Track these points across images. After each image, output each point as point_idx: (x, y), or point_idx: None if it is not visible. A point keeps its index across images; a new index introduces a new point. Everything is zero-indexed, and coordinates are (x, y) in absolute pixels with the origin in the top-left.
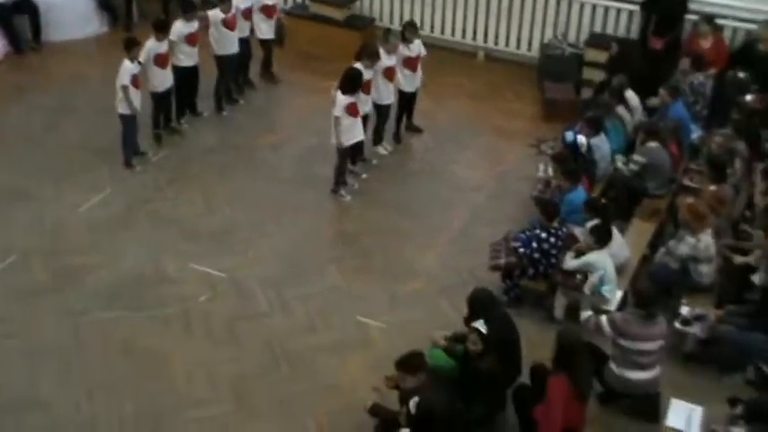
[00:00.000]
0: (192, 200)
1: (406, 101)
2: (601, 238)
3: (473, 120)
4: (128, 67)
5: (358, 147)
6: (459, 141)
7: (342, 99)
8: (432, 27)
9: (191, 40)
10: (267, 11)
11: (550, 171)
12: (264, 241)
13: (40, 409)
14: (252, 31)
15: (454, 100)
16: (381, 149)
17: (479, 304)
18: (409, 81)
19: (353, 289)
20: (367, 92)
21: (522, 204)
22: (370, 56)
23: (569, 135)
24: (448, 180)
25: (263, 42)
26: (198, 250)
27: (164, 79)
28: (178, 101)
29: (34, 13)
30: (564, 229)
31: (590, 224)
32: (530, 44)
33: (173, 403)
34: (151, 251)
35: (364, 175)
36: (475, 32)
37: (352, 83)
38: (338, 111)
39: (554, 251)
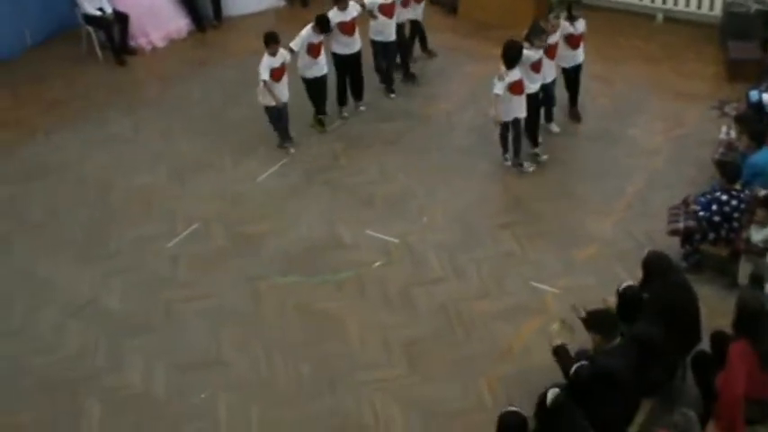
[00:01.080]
0: (366, 168)
1: (569, 80)
2: None
3: (651, 83)
4: (266, 62)
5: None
6: (637, 105)
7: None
8: None
9: (345, 29)
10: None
11: (733, 133)
12: (438, 207)
13: (222, 368)
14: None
15: (631, 63)
16: (554, 127)
17: (655, 268)
18: (568, 59)
19: (527, 254)
20: (537, 71)
21: (702, 168)
22: (538, 36)
23: (754, 95)
24: (625, 144)
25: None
26: (372, 217)
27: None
28: (338, 88)
29: None
30: (747, 191)
31: None
32: (711, 3)
33: (347, 365)
34: (326, 218)
35: (545, 157)
36: None
37: (511, 57)
38: (498, 88)
39: (736, 214)
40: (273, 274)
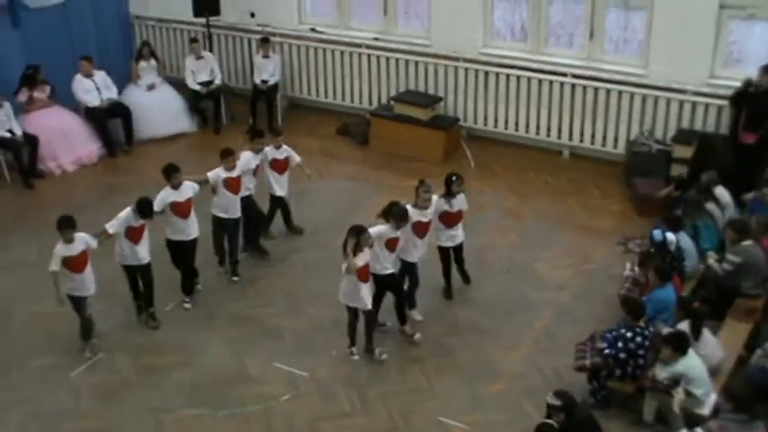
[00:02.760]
0: (274, 300)
1: (446, 258)
2: (680, 346)
3: (558, 217)
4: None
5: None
6: (544, 239)
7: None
8: (516, 125)
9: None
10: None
11: (637, 269)
12: (347, 339)
13: None
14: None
15: (539, 198)
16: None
17: (561, 407)
18: (444, 238)
19: (436, 388)
20: (392, 249)
21: (609, 303)
22: (398, 218)
23: (658, 234)
24: (533, 279)
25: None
26: (281, 348)
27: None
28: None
29: (127, 117)
30: (651, 329)
31: (680, 325)
32: (615, 141)
33: None
34: (234, 350)
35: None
36: (560, 130)
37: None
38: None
39: (641, 351)
40: (179, 406)
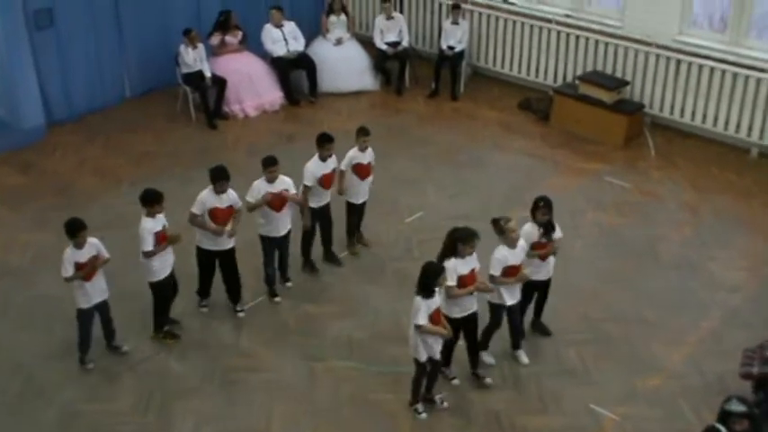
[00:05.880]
0: None
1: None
2: None
3: (738, 218)
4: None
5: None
6: (721, 239)
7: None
8: (704, 118)
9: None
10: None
11: None
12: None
13: None
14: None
15: (720, 195)
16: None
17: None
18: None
19: (591, 374)
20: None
21: None
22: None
23: None
24: (704, 277)
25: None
26: None
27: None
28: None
29: (311, 70)
30: None
31: None
32: None
33: None
34: (394, 308)
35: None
36: (750, 128)
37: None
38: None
39: None
40: (333, 357)
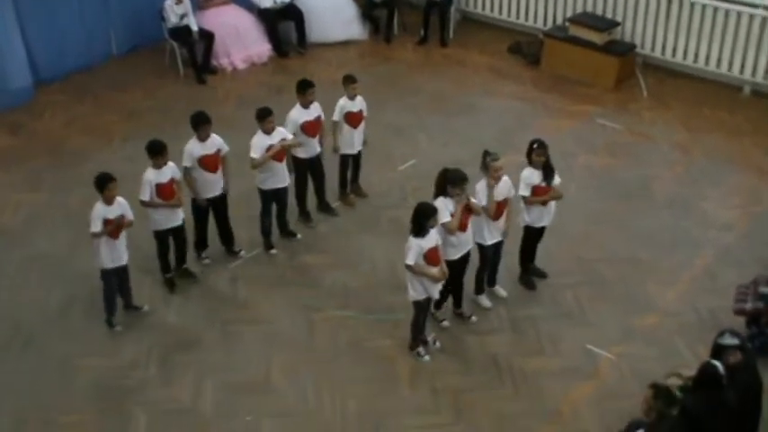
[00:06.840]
0: None
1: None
2: None
3: (730, 156)
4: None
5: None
6: (713, 177)
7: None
8: (696, 57)
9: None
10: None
11: None
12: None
13: (269, 394)
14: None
15: (712, 134)
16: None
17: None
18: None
19: (587, 316)
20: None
21: None
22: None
23: None
24: (697, 216)
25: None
26: None
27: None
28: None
29: (299, 20)
30: None
31: None
32: None
33: (394, 407)
34: (390, 258)
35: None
36: (743, 66)
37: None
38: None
39: None
40: (330, 307)
